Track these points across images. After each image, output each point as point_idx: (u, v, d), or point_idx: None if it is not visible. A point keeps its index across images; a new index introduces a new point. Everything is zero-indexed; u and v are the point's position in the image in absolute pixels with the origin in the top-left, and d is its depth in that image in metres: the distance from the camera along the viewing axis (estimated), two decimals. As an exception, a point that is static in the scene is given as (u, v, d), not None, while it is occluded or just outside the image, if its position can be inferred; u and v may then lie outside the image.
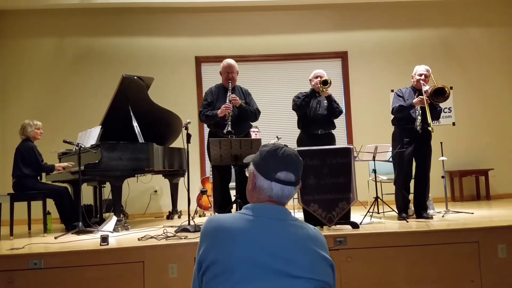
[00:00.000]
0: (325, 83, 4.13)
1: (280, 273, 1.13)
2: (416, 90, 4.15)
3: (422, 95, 3.99)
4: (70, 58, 6.26)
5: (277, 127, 5.98)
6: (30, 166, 4.35)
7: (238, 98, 4.00)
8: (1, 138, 5.99)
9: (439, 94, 3.96)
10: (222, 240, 1.18)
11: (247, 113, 4.09)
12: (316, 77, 4.25)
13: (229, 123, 3.84)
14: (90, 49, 6.27)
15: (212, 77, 5.77)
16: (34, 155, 4.36)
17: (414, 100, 3.99)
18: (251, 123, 4.33)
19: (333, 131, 4.35)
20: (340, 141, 6.26)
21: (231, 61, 4.13)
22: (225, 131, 3.82)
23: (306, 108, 4.20)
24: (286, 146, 1.29)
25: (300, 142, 4.29)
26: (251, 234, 1.18)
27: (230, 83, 4.03)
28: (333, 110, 4.22)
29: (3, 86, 6.10)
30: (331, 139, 4.28)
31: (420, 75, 4.11)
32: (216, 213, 3.96)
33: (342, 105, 6.36)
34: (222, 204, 4.02)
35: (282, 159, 1.25)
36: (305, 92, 4.31)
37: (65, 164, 4.48)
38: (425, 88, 4.02)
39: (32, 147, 4.40)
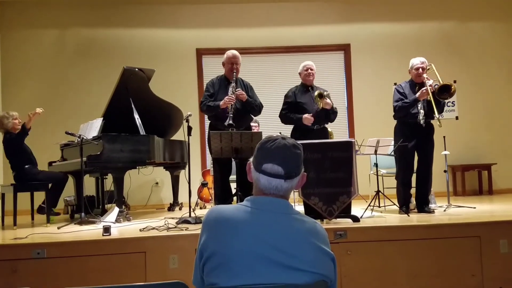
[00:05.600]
0: (321, 96, 4.02)
1: (279, 265, 1.13)
2: (416, 83, 4.12)
3: (423, 89, 3.98)
4: (72, 49, 6.24)
5: (278, 121, 5.95)
6: (19, 155, 4.34)
7: (244, 93, 3.98)
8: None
9: (445, 90, 3.93)
10: (222, 231, 1.18)
11: (252, 107, 4.08)
12: (306, 70, 4.21)
13: (231, 115, 3.83)
14: (91, 41, 6.25)
15: (213, 70, 5.75)
16: (13, 144, 4.33)
17: (418, 94, 3.95)
18: (252, 117, 4.32)
19: (331, 124, 4.34)
20: (342, 135, 6.25)
21: (235, 52, 4.12)
22: (226, 123, 3.81)
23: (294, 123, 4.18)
24: (284, 138, 1.26)
25: (294, 137, 4.24)
26: (250, 226, 1.18)
27: (234, 74, 4.00)
28: (330, 116, 4.17)
29: (5, 78, 6.09)
30: (325, 133, 4.27)
31: (417, 69, 4.06)
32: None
33: (344, 98, 6.43)
34: (222, 197, 4.03)
35: (269, 151, 1.23)
36: (295, 87, 4.25)
37: (33, 112, 4.32)
38: (429, 82, 3.98)
39: (9, 140, 4.37)
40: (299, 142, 1.31)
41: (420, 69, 4.04)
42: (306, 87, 4.25)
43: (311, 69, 4.21)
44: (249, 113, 4.17)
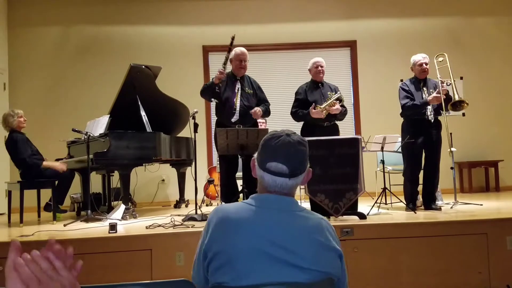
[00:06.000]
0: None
1: (283, 263, 1.12)
2: (420, 80, 4.10)
3: (426, 86, 3.96)
4: (76, 46, 6.24)
5: (284, 118, 5.94)
6: (20, 159, 4.31)
7: (258, 111, 4.00)
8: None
9: (455, 103, 3.91)
10: (226, 231, 1.18)
11: (265, 113, 4.14)
12: (316, 66, 4.19)
13: (234, 112, 3.82)
14: (95, 39, 6.25)
15: (219, 66, 5.73)
16: (18, 149, 4.27)
17: (429, 99, 3.91)
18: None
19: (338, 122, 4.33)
20: (348, 131, 6.22)
21: (243, 49, 4.13)
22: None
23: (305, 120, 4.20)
24: (288, 135, 1.22)
25: (303, 134, 4.24)
26: (254, 225, 1.17)
27: (228, 64, 4.02)
28: (336, 116, 4.17)
29: (10, 75, 6.11)
30: (336, 130, 4.25)
31: (420, 65, 4.04)
32: (222, 203, 3.98)
33: (350, 95, 6.40)
34: (228, 194, 4.03)
35: (274, 148, 1.20)
36: (305, 84, 4.24)
37: (54, 164, 4.36)
38: (443, 85, 3.92)
39: (16, 141, 4.30)
40: (306, 138, 1.29)
41: (424, 65, 4.02)
42: (316, 83, 4.24)
43: (321, 66, 4.19)
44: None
